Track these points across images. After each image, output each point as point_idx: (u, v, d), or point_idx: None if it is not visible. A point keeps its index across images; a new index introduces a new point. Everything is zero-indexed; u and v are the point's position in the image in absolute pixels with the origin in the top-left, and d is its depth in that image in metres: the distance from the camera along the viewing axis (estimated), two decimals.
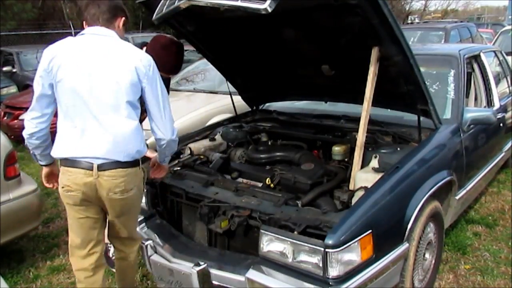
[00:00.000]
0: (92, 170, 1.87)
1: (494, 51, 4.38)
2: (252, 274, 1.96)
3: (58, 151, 1.94)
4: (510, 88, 4.25)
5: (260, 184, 2.50)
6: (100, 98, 1.86)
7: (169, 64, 2.57)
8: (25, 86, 8.46)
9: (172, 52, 2.55)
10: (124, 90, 1.86)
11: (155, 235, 2.41)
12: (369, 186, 2.17)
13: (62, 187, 1.95)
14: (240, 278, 1.99)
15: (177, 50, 2.58)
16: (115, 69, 1.85)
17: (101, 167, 1.87)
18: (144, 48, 2.59)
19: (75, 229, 2.04)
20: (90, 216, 2.01)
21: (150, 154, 2.69)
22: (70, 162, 1.90)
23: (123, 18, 2.02)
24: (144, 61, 1.90)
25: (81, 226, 2.02)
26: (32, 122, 1.94)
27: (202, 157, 2.91)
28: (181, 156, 2.91)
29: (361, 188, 2.25)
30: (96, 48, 1.89)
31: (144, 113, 2.83)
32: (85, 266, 2.06)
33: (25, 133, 1.97)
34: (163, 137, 2.01)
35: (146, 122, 2.90)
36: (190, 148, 3.00)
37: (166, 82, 2.87)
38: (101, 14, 1.95)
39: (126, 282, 2.32)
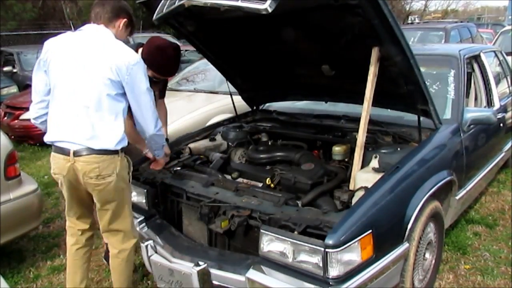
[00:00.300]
0: (69, 155, 2.02)
1: (494, 51, 4.38)
2: (252, 274, 1.96)
3: (47, 136, 2.12)
4: (510, 88, 4.25)
5: (260, 184, 2.50)
6: (83, 90, 2.00)
7: (165, 67, 2.58)
8: (25, 86, 8.46)
9: (168, 55, 2.55)
10: (105, 85, 1.99)
11: (155, 235, 2.41)
12: (369, 186, 2.17)
13: (52, 172, 2.16)
14: (240, 278, 1.99)
15: (173, 53, 2.58)
16: (99, 65, 1.99)
17: (77, 153, 2.01)
18: (140, 50, 2.59)
19: (67, 204, 2.25)
20: (77, 197, 2.20)
21: (150, 154, 2.70)
22: (54, 148, 2.09)
23: (125, 20, 2.16)
24: (127, 61, 2.01)
25: (70, 201, 2.23)
26: (34, 107, 2.19)
27: (202, 157, 2.91)
28: (181, 156, 2.91)
29: (361, 188, 2.25)
30: (86, 44, 2.05)
31: None
32: (73, 234, 2.31)
33: (31, 118, 2.22)
34: (145, 132, 2.19)
35: None
36: (190, 148, 3.00)
37: (163, 83, 2.88)
38: (103, 13, 2.11)
39: (120, 282, 2.32)
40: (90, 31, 2.10)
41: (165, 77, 2.73)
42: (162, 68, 2.57)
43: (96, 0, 2.15)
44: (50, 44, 2.09)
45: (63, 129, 2.04)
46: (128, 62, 2.01)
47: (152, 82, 2.72)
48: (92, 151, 2.00)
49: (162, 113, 2.93)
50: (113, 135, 2.03)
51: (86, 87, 2.00)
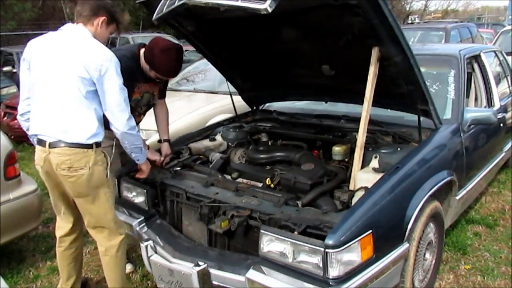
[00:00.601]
0: (45, 147, 2.13)
1: (494, 51, 4.38)
2: (252, 274, 1.96)
3: (30, 130, 2.25)
4: (510, 88, 4.25)
5: (260, 184, 2.50)
6: (59, 87, 2.09)
7: (168, 68, 2.56)
8: None
9: (171, 56, 2.53)
10: (78, 82, 2.07)
11: (155, 235, 2.41)
12: (369, 186, 2.17)
13: (35, 162, 2.25)
14: (240, 278, 1.99)
15: (176, 55, 2.57)
16: (73, 64, 2.07)
17: (51, 145, 2.12)
18: (142, 50, 2.59)
19: (51, 199, 2.36)
20: (57, 190, 2.28)
21: (151, 155, 2.70)
22: (36, 141, 2.21)
23: (103, 18, 2.20)
24: (98, 59, 2.06)
25: (53, 195, 2.34)
26: (21, 104, 2.29)
27: (202, 157, 2.91)
28: (181, 156, 2.91)
29: (361, 188, 2.25)
30: (63, 44, 2.13)
31: (141, 115, 2.86)
32: (60, 224, 2.42)
33: (18, 114, 2.32)
34: (115, 129, 2.19)
35: (143, 122, 2.93)
36: (189, 148, 2.99)
37: (163, 83, 2.87)
38: (83, 12, 2.17)
39: (111, 279, 2.36)
40: (68, 30, 2.18)
41: (167, 78, 2.72)
42: (165, 69, 2.56)
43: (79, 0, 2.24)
44: (32, 44, 2.20)
45: (42, 123, 2.16)
46: (98, 61, 2.06)
47: (154, 82, 2.73)
48: (65, 144, 2.10)
49: (162, 113, 2.93)
50: (86, 129, 2.12)
51: (62, 85, 2.09)
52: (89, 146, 2.13)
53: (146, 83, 2.69)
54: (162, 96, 2.92)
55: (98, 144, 2.17)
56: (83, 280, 2.69)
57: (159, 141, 2.93)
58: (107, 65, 2.07)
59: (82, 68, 2.05)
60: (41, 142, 2.16)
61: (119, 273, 2.37)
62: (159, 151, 2.85)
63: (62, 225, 2.43)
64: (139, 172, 2.58)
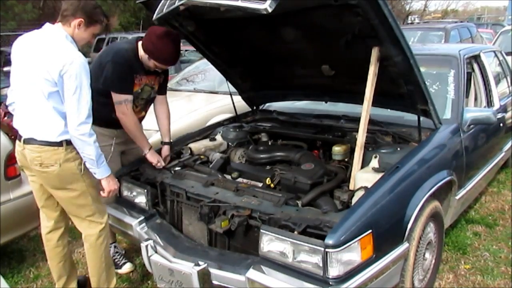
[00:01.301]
0: (21, 142, 2.23)
1: (494, 51, 4.38)
2: (252, 274, 1.96)
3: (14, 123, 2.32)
4: (510, 88, 4.25)
5: (260, 184, 2.50)
6: (31, 86, 2.15)
7: (166, 54, 2.57)
8: None
9: (168, 42, 2.54)
10: (45, 83, 2.10)
11: (156, 235, 2.41)
12: (369, 186, 2.17)
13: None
14: (240, 278, 1.99)
15: (173, 40, 2.57)
16: (41, 64, 2.10)
17: (25, 141, 2.20)
18: (140, 42, 2.60)
19: (33, 191, 2.42)
20: (35, 183, 2.34)
21: (150, 157, 2.70)
22: (17, 136, 2.28)
23: (80, 20, 2.18)
24: (60, 62, 2.07)
25: (33, 189, 2.40)
26: (9, 95, 2.35)
27: (202, 157, 2.91)
28: (181, 156, 2.91)
29: (361, 188, 2.25)
30: (38, 43, 2.16)
31: (142, 112, 2.85)
32: (44, 223, 2.48)
33: (7, 104, 2.38)
34: (70, 130, 2.15)
35: (144, 122, 2.93)
36: (190, 148, 3.00)
37: (163, 78, 2.87)
38: (63, 11, 2.19)
39: (90, 267, 2.42)
40: (46, 30, 2.20)
41: (165, 65, 2.67)
42: (163, 56, 2.56)
43: None
44: (16, 41, 2.26)
45: (19, 119, 2.26)
46: (60, 62, 2.06)
47: (154, 76, 2.71)
48: (35, 142, 2.17)
49: (164, 114, 2.91)
50: (53, 128, 2.16)
51: (30, 85, 2.15)
52: (58, 144, 2.17)
53: (146, 75, 2.69)
54: (163, 91, 2.90)
55: (68, 142, 2.18)
56: (82, 279, 2.69)
57: (161, 142, 2.93)
58: (67, 67, 2.06)
59: (45, 70, 2.08)
60: (19, 137, 2.24)
61: (98, 261, 2.40)
62: (159, 151, 2.85)
63: (45, 223, 2.47)
64: (102, 191, 2.32)
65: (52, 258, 2.49)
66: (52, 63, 2.07)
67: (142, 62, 2.62)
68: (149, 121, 3.01)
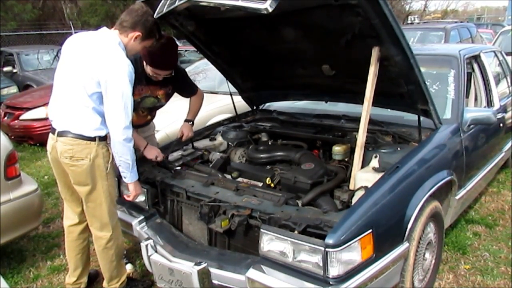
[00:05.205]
0: (54, 134, 2.28)
1: (494, 51, 4.38)
2: (253, 273, 1.96)
3: (49, 114, 2.39)
4: (510, 88, 4.25)
5: (260, 184, 2.50)
6: (74, 83, 2.21)
7: (158, 58, 2.57)
8: (25, 86, 8.44)
9: (161, 46, 2.51)
10: (89, 83, 2.17)
11: (156, 234, 2.41)
12: (369, 186, 2.17)
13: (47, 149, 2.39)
14: (241, 277, 1.99)
15: (167, 44, 2.56)
16: (89, 65, 2.17)
17: (59, 134, 2.26)
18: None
19: (58, 184, 2.49)
20: (63, 178, 2.39)
21: (147, 153, 2.70)
22: (51, 129, 2.34)
23: (138, 34, 2.25)
24: (109, 68, 2.14)
25: (59, 182, 2.46)
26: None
27: (205, 152, 2.94)
28: (185, 149, 2.93)
29: (361, 187, 2.25)
30: (90, 44, 2.23)
31: (148, 116, 2.87)
32: (68, 214, 2.54)
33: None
34: (111, 135, 2.22)
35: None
36: (193, 143, 3.01)
37: (179, 83, 2.87)
38: (124, 21, 2.25)
39: (101, 265, 2.48)
40: (100, 33, 2.27)
41: (160, 70, 2.63)
42: (156, 59, 2.57)
43: (130, 7, 2.30)
44: (70, 38, 2.35)
45: (55, 112, 2.31)
46: (109, 68, 2.13)
47: (158, 86, 2.73)
48: (70, 134, 2.23)
49: (197, 98, 3.01)
50: (89, 123, 2.22)
51: (75, 81, 2.20)
52: (92, 139, 2.23)
53: (148, 85, 2.70)
54: (186, 94, 2.99)
55: (101, 138, 2.25)
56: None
57: (185, 120, 3.00)
58: (116, 73, 2.13)
59: (94, 70, 2.14)
60: (52, 130, 2.30)
61: (109, 261, 2.44)
62: (163, 148, 2.86)
63: (69, 215, 2.53)
64: (127, 194, 2.46)
65: (71, 249, 2.56)
66: (102, 65, 2.14)
67: (146, 73, 2.66)
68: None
